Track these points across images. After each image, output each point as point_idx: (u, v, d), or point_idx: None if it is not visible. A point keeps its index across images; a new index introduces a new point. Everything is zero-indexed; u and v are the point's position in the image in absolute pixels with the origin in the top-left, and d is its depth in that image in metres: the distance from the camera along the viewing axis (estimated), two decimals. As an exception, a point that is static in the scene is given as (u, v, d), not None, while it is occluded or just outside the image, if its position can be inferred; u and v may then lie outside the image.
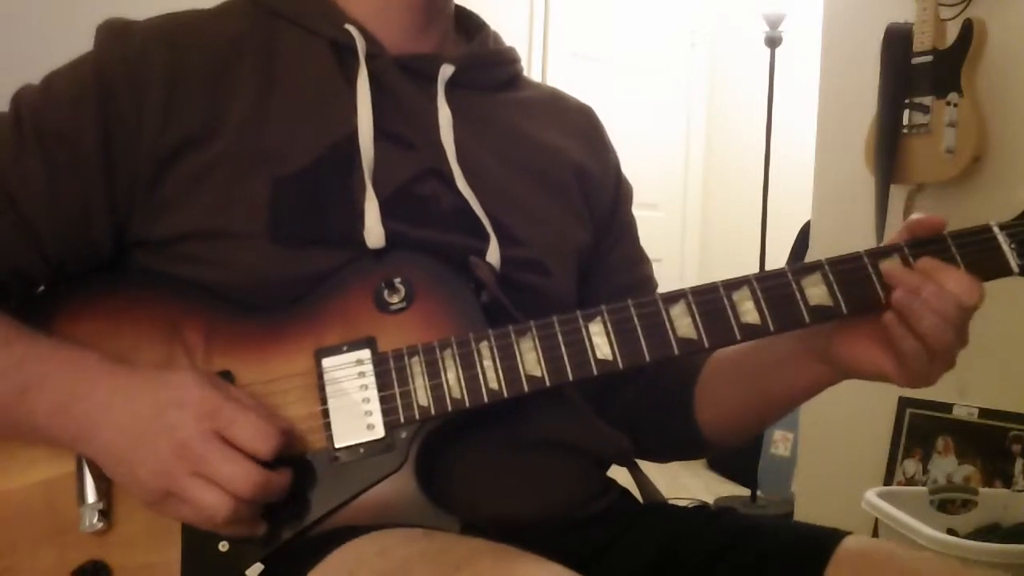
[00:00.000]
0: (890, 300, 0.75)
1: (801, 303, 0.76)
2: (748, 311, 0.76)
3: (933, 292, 0.74)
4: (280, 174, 0.80)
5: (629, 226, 1.04)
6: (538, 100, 1.00)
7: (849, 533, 0.83)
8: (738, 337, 0.76)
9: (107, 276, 0.84)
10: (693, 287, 0.77)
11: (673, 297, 0.77)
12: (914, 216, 0.79)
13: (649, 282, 1.02)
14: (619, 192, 1.02)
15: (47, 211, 0.80)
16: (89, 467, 0.75)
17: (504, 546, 0.66)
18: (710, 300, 0.76)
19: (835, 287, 0.76)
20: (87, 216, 0.81)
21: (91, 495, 0.74)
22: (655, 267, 1.06)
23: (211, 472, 0.68)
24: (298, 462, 0.74)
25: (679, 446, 0.98)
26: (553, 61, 3.98)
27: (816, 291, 0.77)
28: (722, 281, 0.77)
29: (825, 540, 0.82)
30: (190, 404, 0.70)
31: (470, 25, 0.99)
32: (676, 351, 0.76)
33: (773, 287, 0.77)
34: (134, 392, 0.72)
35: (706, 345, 0.76)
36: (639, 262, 1.03)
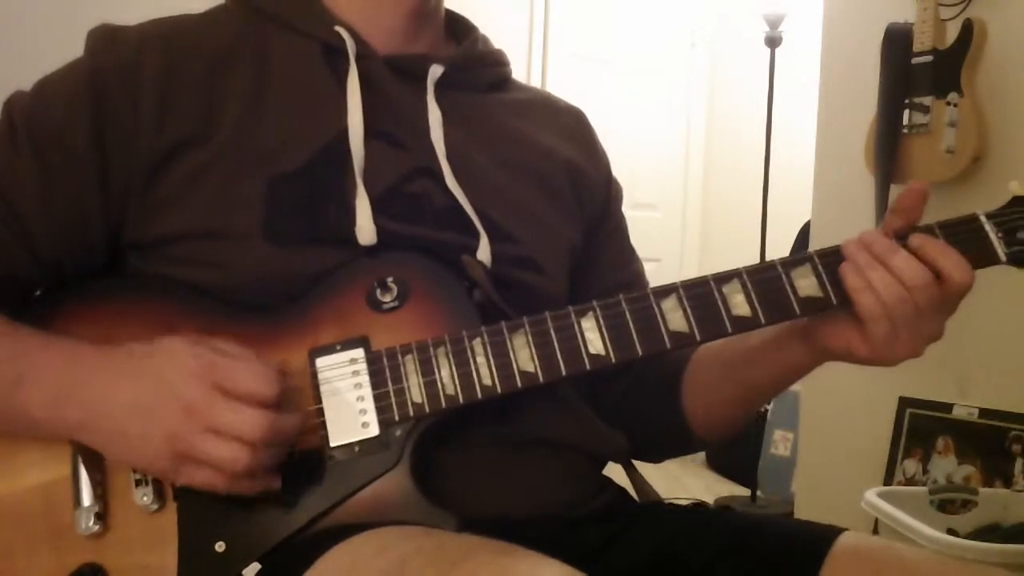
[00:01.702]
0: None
1: (791, 295, 0.77)
2: (739, 304, 0.77)
3: (886, 246, 0.75)
4: (274, 174, 0.81)
5: (620, 225, 1.05)
6: (529, 101, 1.01)
7: (846, 530, 0.83)
8: (729, 330, 0.77)
9: (102, 281, 0.84)
10: (684, 281, 0.78)
11: (664, 291, 0.77)
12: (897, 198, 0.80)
13: (640, 279, 1.03)
14: (610, 191, 1.03)
15: (42, 213, 0.80)
16: (85, 469, 0.75)
17: (502, 542, 0.65)
18: (701, 294, 0.77)
19: (824, 278, 0.77)
20: (82, 218, 0.81)
21: (87, 498, 0.74)
22: (654, 267, 1.06)
23: (220, 424, 0.69)
24: (294, 461, 0.74)
25: (669, 440, 0.98)
26: (553, 62, 3.98)
27: (806, 282, 0.77)
28: (712, 275, 0.78)
29: (822, 537, 0.82)
30: (187, 364, 0.71)
31: (460, 29, 1.00)
32: (668, 344, 0.76)
33: (763, 280, 0.77)
34: (134, 370, 0.72)
35: (698, 339, 0.77)
36: (631, 261, 1.04)
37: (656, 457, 1.01)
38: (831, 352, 0.81)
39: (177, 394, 0.70)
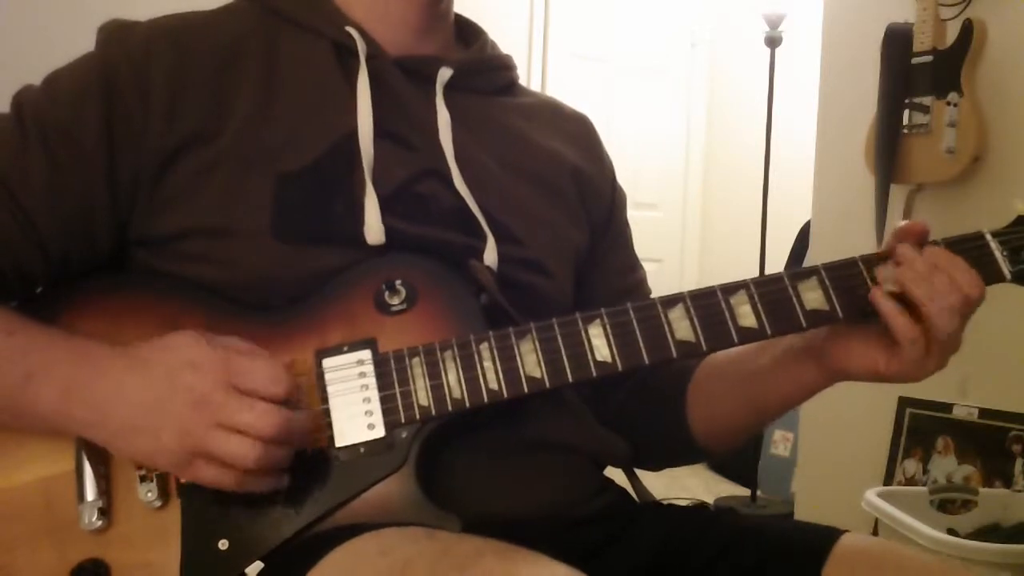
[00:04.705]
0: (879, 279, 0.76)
1: (798, 307, 0.77)
2: (745, 315, 0.77)
3: (929, 265, 0.75)
4: (283, 171, 0.81)
5: (624, 232, 1.05)
6: (535, 106, 1.01)
7: (846, 531, 0.84)
8: (736, 340, 0.77)
9: (108, 276, 0.84)
10: (691, 291, 0.78)
11: (671, 301, 0.78)
12: (901, 224, 0.80)
13: (643, 287, 1.03)
14: (615, 198, 1.03)
15: (49, 207, 0.80)
16: (90, 464, 0.75)
17: (507, 544, 0.66)
18: (708, 304, 0.77)
19: (831, 292, 0.78)
20: (89, 213, 0.81)
21: (90, 493, 0.74)
22: (655, 267, 1.06)
23: (233, 420, 0.69)
24: (299, 461, 0.74)
25: (671, 449, 0.99)
26: (553, 61, 3.98)
27: (812, 296, 0.78)
28: (720, 285, 0.78)
29: (823, 538, 0.82)
30: (200, 362, 0.70)
31: (469, 33, 1.00)
32: (674, 354, 0.76)
33: (770, 292, 0.78)
34: (143, 366, 0.72)
35: (704, 348, 0.77)
36: (634, 268, 1.04)
37: (657, 464, 1.01)
38: (851, 374, 0.81)
39: (188, 387, 0.70)
